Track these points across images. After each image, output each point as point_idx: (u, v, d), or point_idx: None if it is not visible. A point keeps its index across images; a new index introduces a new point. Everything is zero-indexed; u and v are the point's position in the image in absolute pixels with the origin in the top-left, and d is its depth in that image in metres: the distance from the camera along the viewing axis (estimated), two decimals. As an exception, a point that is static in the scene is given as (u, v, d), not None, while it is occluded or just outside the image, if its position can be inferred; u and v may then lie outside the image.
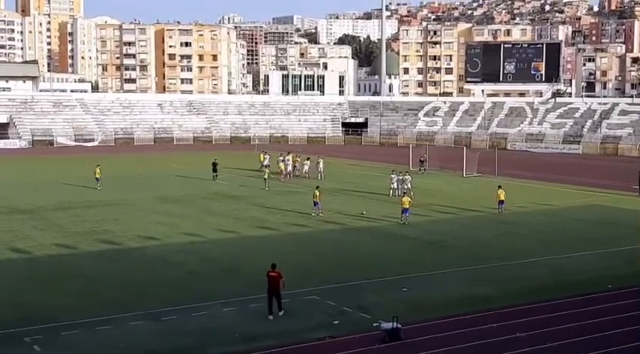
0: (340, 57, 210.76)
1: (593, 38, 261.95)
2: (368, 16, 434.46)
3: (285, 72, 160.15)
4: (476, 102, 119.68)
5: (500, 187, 44.79)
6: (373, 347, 20.51)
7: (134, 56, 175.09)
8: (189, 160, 77.75)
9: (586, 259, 32.30)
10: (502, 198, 43.68)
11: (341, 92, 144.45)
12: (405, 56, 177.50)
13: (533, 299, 25.21)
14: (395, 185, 51.09)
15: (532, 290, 26.59)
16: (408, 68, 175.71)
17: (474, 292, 26.31)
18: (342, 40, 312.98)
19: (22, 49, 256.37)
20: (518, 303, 24.77)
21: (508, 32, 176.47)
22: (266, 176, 56.11)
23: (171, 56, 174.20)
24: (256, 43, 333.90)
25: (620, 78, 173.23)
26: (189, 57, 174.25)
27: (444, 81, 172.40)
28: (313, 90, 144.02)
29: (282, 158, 63.85)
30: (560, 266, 30.64)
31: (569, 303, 24.84)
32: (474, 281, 27.89)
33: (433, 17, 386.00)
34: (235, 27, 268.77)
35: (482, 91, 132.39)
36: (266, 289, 23.32)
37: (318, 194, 42.74)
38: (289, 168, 62.30)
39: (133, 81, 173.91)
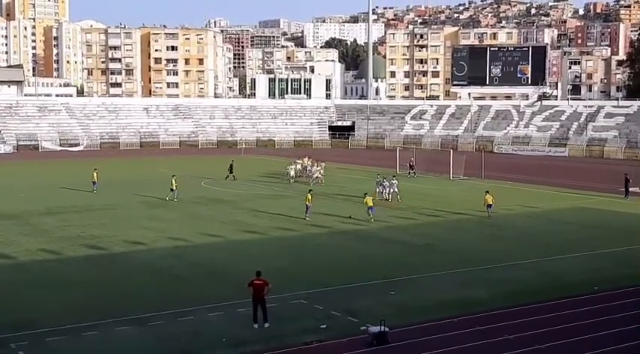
0: (327, 60, 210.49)
1: (579, 41, 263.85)
2: (355, 20, 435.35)
3: (271, 76, 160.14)
4: (462, 105, 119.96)
5: (487, 192, 44.84)
6: (361, 351, 20.44)
7: (120, 60, 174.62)
8: (176, 165, 77.33)
9: (573, 261, 32.35)
10: (490, 202, 43.71)
11: (328, 96, 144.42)
12: (392, 60, 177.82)
13: (521, 302, 25.21)
14: (379, 189, 51.43)
15: (520, 293, 26.60)
16: (394, 71, 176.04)
17: (461, 295, 26.29)
18: (329, 44, 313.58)
19: (6, 53, 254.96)
20: (506, 306, 24.77)
21: (494, 36, 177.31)
22: (174, 187, 49.86)
23: (157, 60, 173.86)
24: (243, 46, 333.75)
25: (605, 81, 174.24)
26: (175, 61, 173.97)
27: (431, 84, 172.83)
28: (300, 93, 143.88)
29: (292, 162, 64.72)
30: (547, 269, 30.67)
31: (557, 305, 24.84)
32: (462, 284, 27.87)
33: (420, 21, 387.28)
34: (222, 31, 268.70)
35: (469, 94, 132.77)
36: (251, 296, 22.72)
37: (310, 198, 42.76)
38: (292, 172, 62.52)
39: (119, 85, 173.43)
